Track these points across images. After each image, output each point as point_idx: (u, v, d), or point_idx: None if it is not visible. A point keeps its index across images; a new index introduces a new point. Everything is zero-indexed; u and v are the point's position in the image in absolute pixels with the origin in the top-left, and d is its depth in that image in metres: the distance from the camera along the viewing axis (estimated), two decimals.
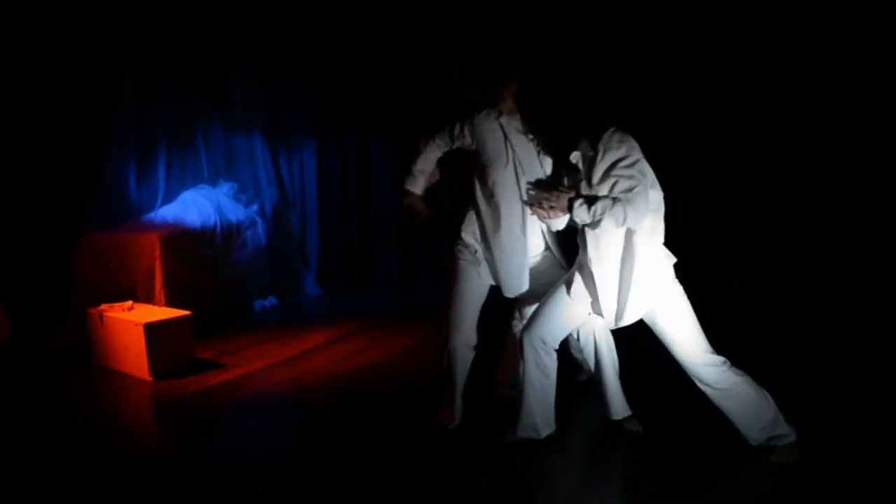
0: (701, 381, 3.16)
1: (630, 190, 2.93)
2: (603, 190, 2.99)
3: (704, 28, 5.09)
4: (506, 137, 3.47)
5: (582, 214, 3.00)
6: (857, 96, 4.76)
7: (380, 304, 6.80)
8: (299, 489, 3.25)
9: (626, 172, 2.95)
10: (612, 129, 3.03)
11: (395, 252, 7.27)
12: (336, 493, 3.21)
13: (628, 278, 3.09)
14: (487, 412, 3.86)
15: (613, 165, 2.97)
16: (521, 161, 3.46)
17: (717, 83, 5.05)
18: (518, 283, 3.58)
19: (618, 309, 3.16)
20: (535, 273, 3.58)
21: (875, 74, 4.71)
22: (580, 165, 3.10)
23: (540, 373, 3.33)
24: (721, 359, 3.15)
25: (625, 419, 3.60)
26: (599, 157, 3.00)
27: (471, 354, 3.64)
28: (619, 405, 3.58)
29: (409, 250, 7.24)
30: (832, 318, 4.70)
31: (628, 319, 3.18)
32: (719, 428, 3.30)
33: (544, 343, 3.29)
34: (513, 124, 3.48)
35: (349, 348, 5.36)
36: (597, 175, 3.01)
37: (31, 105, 5.66)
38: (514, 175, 3.46)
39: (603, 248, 3.09)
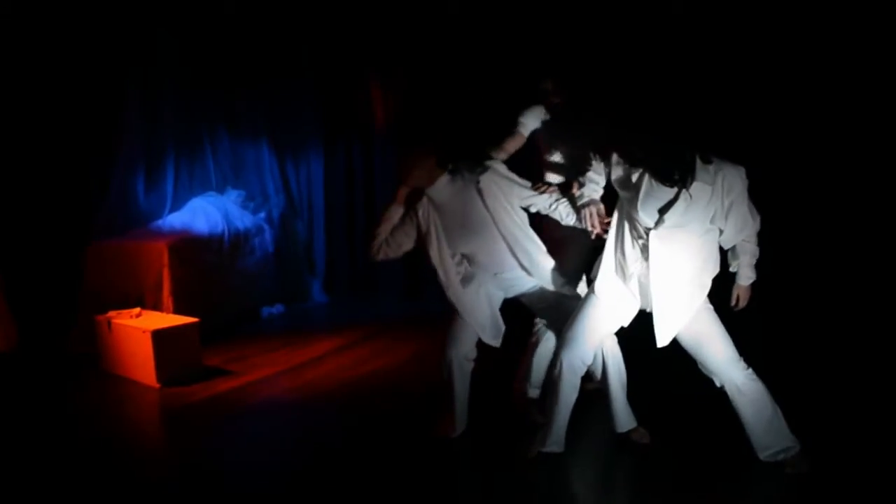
0: (733, 389, 3.14)
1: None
2: (731, 220, 3.03)
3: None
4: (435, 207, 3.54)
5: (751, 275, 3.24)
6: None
7: (386, 311, 6.81)
8: (304, 498, 3.25)
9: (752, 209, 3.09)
10: (731, 165, 3.00)
11: (401, 260, 7.25)
12: (341, 502, 3.21)
13: (686, 294, 3.11)
14: (491, 421, 3.87)
15: (736, 202, 3.01)
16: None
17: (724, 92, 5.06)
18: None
19: (671, 325, 3.14)
20: (541, 293, 3.60)
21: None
22: (691, 192, 2.96)
23: (573, 392, 3.36)
24: (746, 366, 3.17)
25: (631, 430, 3.59)
26: (722, 189, 2.97)
27: (469, 366, 3.66)
28: (624, 418, 3.57)
29: (415, 258, 7.22)
30: (837, 324, 4.70)
31: (674, 334, 3.18)
32: (726, 439, 3.31)
33: (584, 364, 3.33)
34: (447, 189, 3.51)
35: (355, 356, 5.37)
36: (721, 206, 2.99)
37: (41, 114, 5.71)
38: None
39: (676, 263, 3.07)
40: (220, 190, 6.70)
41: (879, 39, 4.71)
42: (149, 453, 3.95)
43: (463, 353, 3.62)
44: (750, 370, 3.15)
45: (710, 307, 3.18)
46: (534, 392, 3.91)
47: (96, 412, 4.47)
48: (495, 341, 3.60)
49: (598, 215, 3.31)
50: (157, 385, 4.78)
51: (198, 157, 6.53)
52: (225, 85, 6.64)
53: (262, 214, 6.89)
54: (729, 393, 3.16)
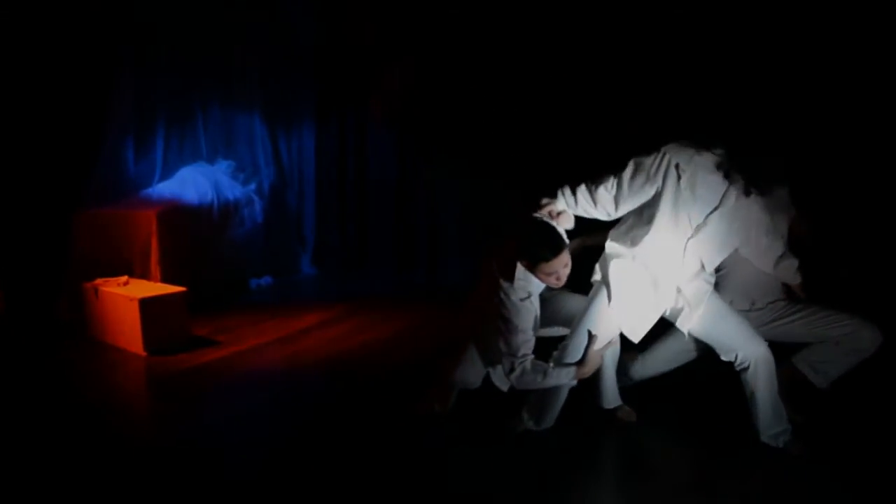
0: (754, 363, 3.13)
1: None
2: None
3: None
4: None
5: None
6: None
7: (376, 285, 6.81)
8: (289, 468, 3.26)
9: None
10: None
11: (392, 233, 7.27)
12: (326, 473, 3.23)
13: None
14: (480, 399, 3.88)
15: None
16: None
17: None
18: None
19: (695, 314, 3.24)
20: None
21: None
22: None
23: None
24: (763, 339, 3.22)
25: (617, 408, 3.62)
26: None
27: None
28: (611, 394, 3.60)
29: (406, 231, 7.23)
30: None
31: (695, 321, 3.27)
32: (712, 419, 3.33)
33: None
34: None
35: (344, 329, 5.37)
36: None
37: (31, 80, 5.64)
38: None
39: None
40: (211, 160, 6.65)
41: None
42: (134, 421, 3.95)
43: None
44: (767, 343, 3.17)
45: (713, 290, 3.24)
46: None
47: (82, 379, 4.46)
48: None
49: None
50: (144, 353, 4.77)
51: (188, 127, 6.47)
52: (218, 54, 6.57)
53: (252, 185, 6.85)
54: (750, 368, 3.13)
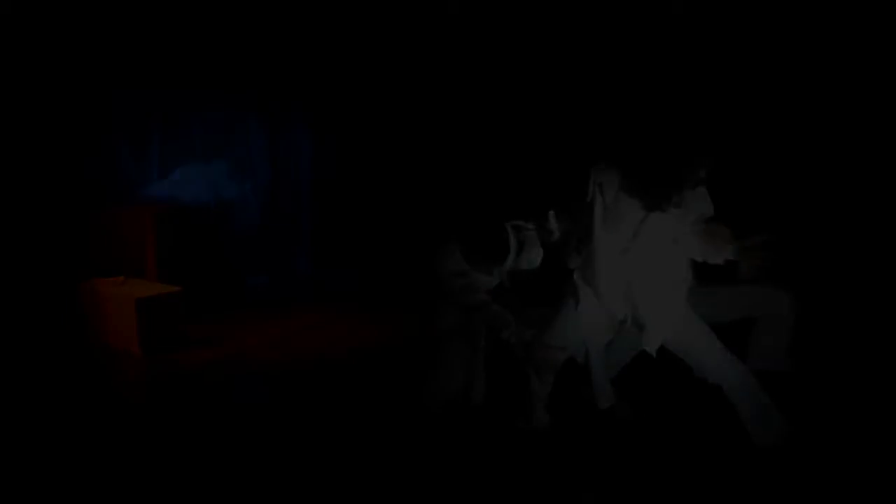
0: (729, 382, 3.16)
1: None
2: None
3: None
4: None
5: None
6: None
7: (371, 284, 6.80)
8: (286, 467, 3.27)
9: None
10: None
11: (389, 232, 7.26)
12: (323, 472, 3.23)
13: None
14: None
15: None
16: None
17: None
18: None
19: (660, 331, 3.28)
20: None
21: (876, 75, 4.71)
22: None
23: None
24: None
25: (612, 406, 3.63)
26: None
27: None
28: (605, 394, 3.60)
29: (404, 230, 7.22)
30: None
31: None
32: (710, 413, 3.35)
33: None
34: None
35: (340, 328, 5.37)
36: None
37: (30, 81, 5.64)
38: None
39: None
40: (207, 159, 6.66)
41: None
42: (130, 421, 3.95)
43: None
44: (738, 362, 3.17)
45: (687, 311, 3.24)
46: None
47: (78, 379, 4.46)
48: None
49: None
50: (140, 353, 4.77)
51: (185, 126, 6.48)
52: (214, 53, 6.57)
53: (249, 185, 6.86)
54: (724, 387, 3.15)
